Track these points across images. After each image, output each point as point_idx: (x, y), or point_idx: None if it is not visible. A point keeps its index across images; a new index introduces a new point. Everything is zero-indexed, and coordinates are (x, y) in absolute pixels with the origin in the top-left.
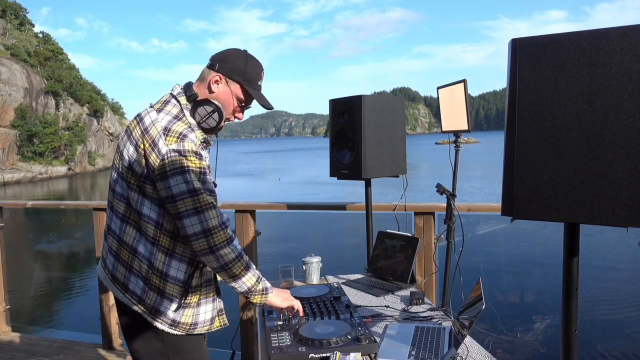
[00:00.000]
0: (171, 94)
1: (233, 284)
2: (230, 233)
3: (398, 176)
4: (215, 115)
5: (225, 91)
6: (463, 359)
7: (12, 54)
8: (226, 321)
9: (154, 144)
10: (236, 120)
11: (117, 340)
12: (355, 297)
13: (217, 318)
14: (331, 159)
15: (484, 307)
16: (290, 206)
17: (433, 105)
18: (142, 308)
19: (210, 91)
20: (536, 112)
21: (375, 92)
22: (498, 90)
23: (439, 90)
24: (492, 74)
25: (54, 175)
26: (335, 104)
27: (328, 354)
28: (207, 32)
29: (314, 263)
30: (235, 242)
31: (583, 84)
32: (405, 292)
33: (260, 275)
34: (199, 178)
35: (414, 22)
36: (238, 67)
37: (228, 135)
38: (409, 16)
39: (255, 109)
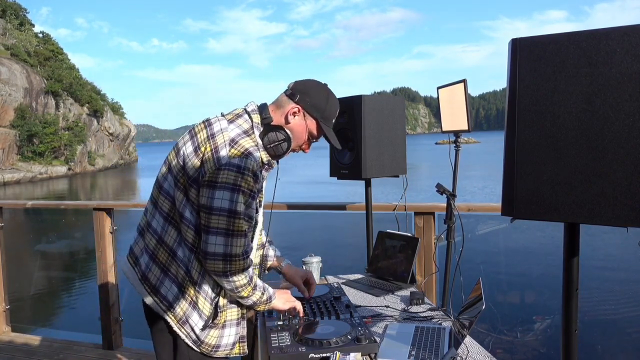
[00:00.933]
0: (245, 109)
1: (239, 300)
2: (248, 262)
3: (398, 176)
4: (284, 145)
5: (301, 124)
6: (463, 359)
7: (12, 54)
8: (246, 349)
9: (216, 151)
10: (300, 152)
11: (117, 340)
12: (355, 297)
13: (238, 344)
14: (331, 159)
15: (484, 307)
16: (290, 206)
17: (433, 105)
18: (170, 315)
19: (287, 121)
20: (536, 112)
21: (375, 92)
22: (498, 90)
23: (439, 90)
24: (492, 74)
25: (54, 175)
26: None
27: (328, 354)
28: (207, 32)
29: (314, 263)
30: (250, 268)
31: (583, 84)
32: (405, 292)
33: (265, 287)
34: (245, 200)
35: (414, 22)
36: (318, 103)
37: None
38: (409, 16)
39: None
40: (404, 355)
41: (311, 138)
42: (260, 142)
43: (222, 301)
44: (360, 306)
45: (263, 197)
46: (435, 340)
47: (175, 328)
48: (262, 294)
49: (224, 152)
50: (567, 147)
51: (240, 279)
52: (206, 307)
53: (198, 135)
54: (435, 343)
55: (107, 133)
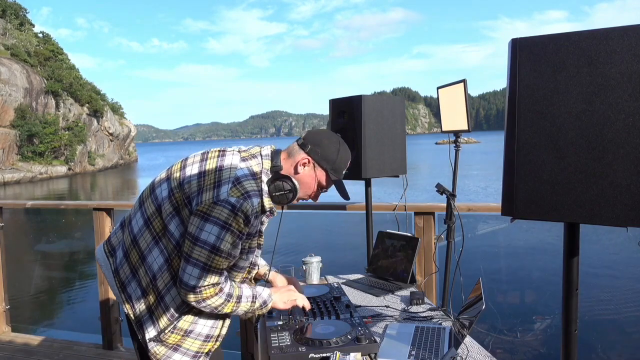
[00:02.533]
0: (260, 152)
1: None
2: (220, 287)
3: (398, 176)
4: (290, 195)
5: (310, 175)
6: (463, 359)
7: (12, 54)
8: None
9: (218, 185)
10: (309, 200)
11: (117, 340)
12: (355, 297)
13: None
14: None
15: (484, 307)
16: (290, 206)
17: (433, 105)
18: (131, 314)
19: (296, 172)
20: (536, 112)
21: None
22: (498, 90)
23: (439, 90)
24: (492, 74)
25: (54, 175)
26: (335, 104)
27: (328, 354)
28: (208, 32)
29: (314, 263)
30: (225, 288)
31: (583, 84)
32: (405, 292)
33: (255, 294)
34: (232, 241)
35: (414, 22)
36: (329, 155)
37: (228, 135)
38: (409, 16)
39: (255, 108)
40: (404, 355)
41: (320, 188)
42: (265, 188)
43: (183, 324)
44: (360, 306)
45: (263, 241)
46: (435, 340)
47: (135, 326)
48: (252, 302)
49: (225, 188)
50: (567, 147)
51: (214, 301)
52: (162, 320)
53: (208, 162)
54: (435, 343)
55: (107, 133)
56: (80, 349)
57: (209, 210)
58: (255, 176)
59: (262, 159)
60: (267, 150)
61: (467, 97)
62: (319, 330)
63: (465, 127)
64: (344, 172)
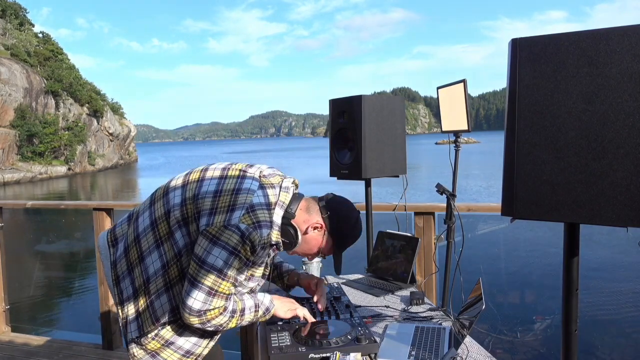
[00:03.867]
0: (281, 183)
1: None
2: (222, 308)
3: (398, 176)
4: (288, 245)
5: (317, 240)
6: (463, 359)
7: (12, 54)
8: None
9: (231, 209)
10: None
11: (117, 340)
12: (355, 297)
13: None
14: (331, 159)
15: (484, 307)
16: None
17: (433, 105)
18: (119, 311)
19: (305, 231)
20: (536, 112)
21: (375, 92)
22: (498, 90)
23: (439, 90)
24: (492, 74)
25: (54, 175)
26: (335, 104)
27: (328, 354)
28: (208, 32)
29: (314, 263)
30: (229, 307)
31: (583, 84)
32: (405, 292)
33: (257, 303)
34: (239, 267)
35: (414, 22)
36: (344, 230)
37: (228, 135)
38: (409, 17)
39: (255, 108)
40: (404, 355)
41: (319, 254)
42: (276, 220)
43: (166, 333)
44: (360, 306)
45: (269, 272)
46: (435, 340)
47: (120, 324)
48: (256, 311)
49: (237, 214)
50: (567, 147)
51: (218, 321)
52: (147, 324)
53: (227, 181)
54: (435, 343)
55: (107, 133)
56: (80, 349)
57: (219, 234)
58: (269, 206)
59: (280, 190)
60: (287, 182)
61: (467, 97)
62: (319, 330)
63: (465, 127)
64: (347, 248)
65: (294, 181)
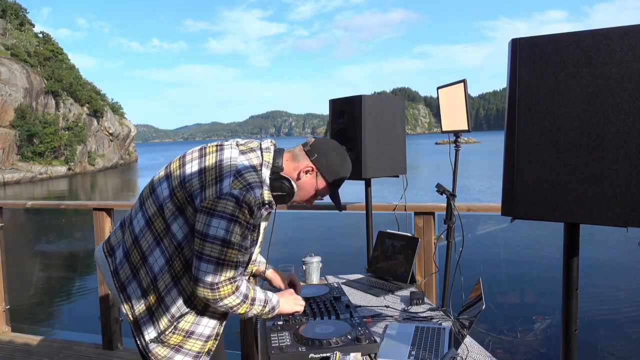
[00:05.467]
0: (260, 145)
1: (238, 315)
2: (236, 285)
3: (398, 176)
4: (286, 197)
5: (311, 183)
6: (463, 359)
7: (12, 54)
8: None
9: (220, 179)
10: (303, 204)
11: (117, 340)
12: (355, 297)
13: None
14: None
15: (484, 307)
16: (290, 206)
17: (433, 105)
18: (130, 315)
19: (298, 177)
20: (536, 112)
21: (375, 92)
22: (498, 90)
23: (439, 90)
24: (492, 74)
25: (54, 175)
26: (335, 104)
27: (328, 354)
28: (208, 32)
29: (314, 263)
30: (242, 287)
31: (583, 84)
32: (405, 292)
33: (267, 299)
34: (242, 232)
35: (415, 22)
36: (334, 167)
37: (228, 135)
38: (409, 17)
39: (255, 108)
40: (404, 355)
41: (317, 196)
42: (265, 180)
43: (184, 325)
44: (360, 306)
45: (260, 236)
46: (435, 340)
47: (133, 328)
48: (264, 306)
49: (227, 182)
50: (567, 147)
51: (231, 301)
52: (163, 321)
53: (207, 157)
54: (435, 343)
55: (107, 133)
56: (80, 349)
57: (214, 205)
58: (255, 168)
59: (261, 152)
60: (267, 143)
61: (467, 97)
62: (319, 330)
63: (465, 127)
64: (341, 185)
65: (272, 142)
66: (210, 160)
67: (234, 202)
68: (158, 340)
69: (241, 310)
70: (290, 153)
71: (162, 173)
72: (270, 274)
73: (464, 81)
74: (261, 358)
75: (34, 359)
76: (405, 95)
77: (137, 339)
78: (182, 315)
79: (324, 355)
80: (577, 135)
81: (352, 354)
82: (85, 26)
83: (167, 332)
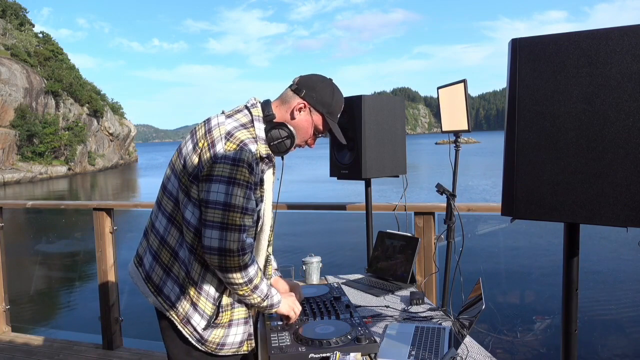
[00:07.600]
0: (245, 105)
1: (238, 297)
2: (246, 260)
3: (398, 176)
4: (288, 142)
5: (307, 120)
6: (463, 359)
7: (12, 54)
8: (253, 345)
9: (212, 145)
10: (306, 147)
11: (117, 340)
12: (355, 297)
13: (246, 342)
14: (331, 159)
15: (484, 307)
16: (290, 206)
17: (433, 105)
18: (174, 315)
19: (292, 117)
20: (536, 112)
21: (375, 92)
22: (498, 90)
23: (439, 90)
24: (492, 74)
25: (54, 175)
26: None
27: (328, 354)
28: (208, 32)
29: (314, 263)
30: (250, 268)
31: (583, 84)
32: (405, 292)
33: (269, 295)
34: (243, 193)
35: (415, 22)
36: (325, 98)
37: None
38: (409, 17)
39: None
40: (404, 355)
41: (317, 133)
42: (259, 134)
43: (225, 300)
44: (360, 306)
45: (265, 193)
46: (435, 340)
47: (179, 327)
48: (263, 300)
49: (219, 146)
50: (567, 147)
51: (236, 277)
52: (208, 307)
53: (197, 133)
54: (435, 343)
55: (107, 133)
56: (80, 349)
57: (211, 171)
58: (245, 126)
59: (249, 110)
60: (252, 101)
61: (467, 97)
62: (319, 330)
63: (465, 127)
64: (338, 116)
65: (255, 98)
66: (200, 133)
67: (230, 164)
68: (211, 324)
69: (240, 292)
70: (279, 99)
71: (167, 171)
72: (274, 281)
73: (464, 81)
74: (261, 358)
75: (34, 359)
76: (405, 95)
77: (185, 333)
78: (220, 295)
79: (324, 355)
80: (577, 135)
81: (352, 354)
82: (86, 26)
83: (218, 315)
